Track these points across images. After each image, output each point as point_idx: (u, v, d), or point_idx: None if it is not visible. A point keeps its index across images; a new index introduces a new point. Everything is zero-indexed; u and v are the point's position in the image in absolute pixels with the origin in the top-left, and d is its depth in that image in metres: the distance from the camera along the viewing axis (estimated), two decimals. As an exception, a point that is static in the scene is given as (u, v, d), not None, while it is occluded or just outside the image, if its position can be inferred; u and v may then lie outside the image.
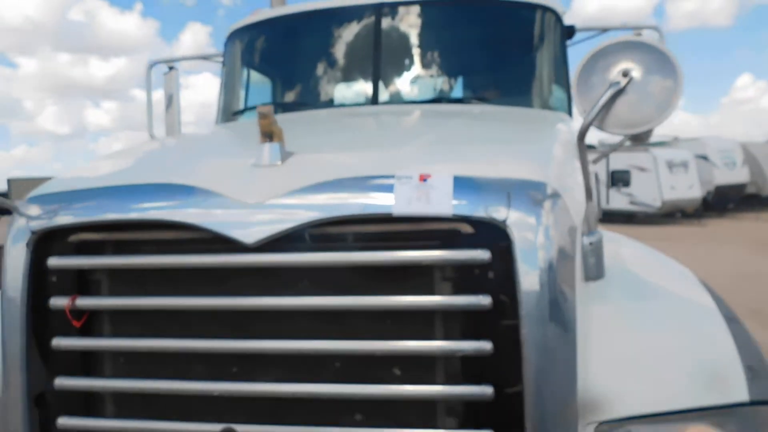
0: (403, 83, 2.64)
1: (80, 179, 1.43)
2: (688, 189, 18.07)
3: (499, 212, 1.13)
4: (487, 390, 1.14)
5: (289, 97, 2.92)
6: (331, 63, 2.71)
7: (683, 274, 1.63)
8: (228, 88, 3.02)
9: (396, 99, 2.59)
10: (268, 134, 1.26)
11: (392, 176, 1.17)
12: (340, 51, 2.68)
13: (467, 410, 1.19)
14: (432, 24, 2.67)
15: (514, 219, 1.13)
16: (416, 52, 2.63)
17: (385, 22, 2.59)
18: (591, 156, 1.71)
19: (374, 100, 2.53)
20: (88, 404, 1.33)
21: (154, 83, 3.19)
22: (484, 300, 1.15)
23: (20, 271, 1.29)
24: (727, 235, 14.54)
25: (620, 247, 1.57)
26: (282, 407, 1.23)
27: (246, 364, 1.24)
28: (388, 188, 1.16)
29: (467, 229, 1.17)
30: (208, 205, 1.20)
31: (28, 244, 1.29)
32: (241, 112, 2.90)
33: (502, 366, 1.15)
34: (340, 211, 1.16)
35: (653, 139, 23.77)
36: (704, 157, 19.44)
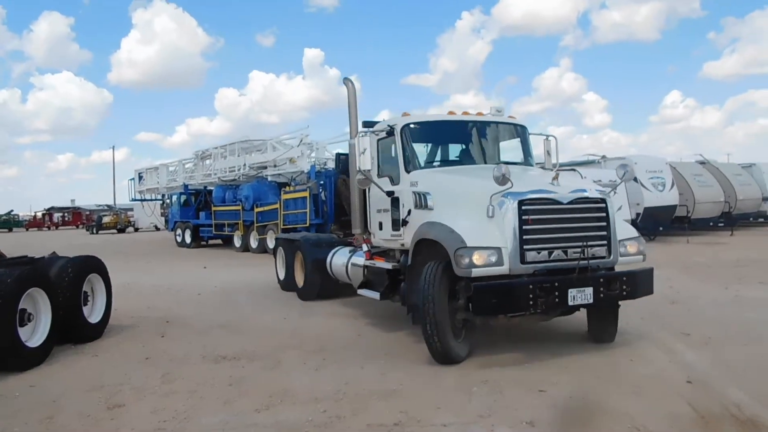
0: (488, 154, 8.02)
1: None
2: (617, 211, 19.72)
3: (603, 195, 6.37)
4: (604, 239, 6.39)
5: (444, 157, 8.27)
6: (469, 142, 8.16)
7: (629, 225, 7.51)
8: (411, 151, 7.64)
9: (487, 162, 7.74)
10: (555, 178, 6.24)
11: (581, 187, 6.44)
12: (462, 137, 8.18)
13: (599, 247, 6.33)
14: (494, 131, 8.25)
15: (604, 195, 6.38)
16: (491, 141, 8.22)
17: (477, 127, 8.10)
18: None
19: (483, 161, 7.84)
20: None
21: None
22: (603, 212, 6.31)
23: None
24: (657, 259, 16.08)
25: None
26: None
27: None
28: (580, 190, 6.34)
29: (600, 199, 6.33)
30: (553, 194, 6.11)
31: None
32: (424, 164, 7.76)
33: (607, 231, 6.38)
34: (576, 197, 6.21)
35: (581, 158, 25.84)
36: (633, 178, 21.29)
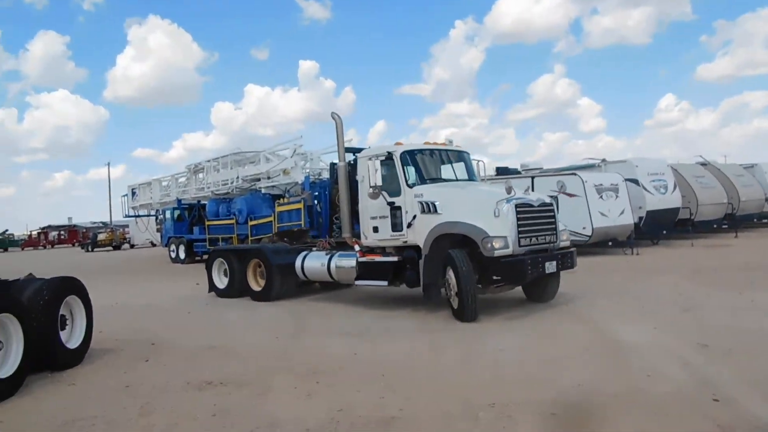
0: (456, 173, 10.98)
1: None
2: (620, 215, 19.26)
3: (551, 200, 9.97)
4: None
5: (427, 176, 10.46)
6: (438, 164, 10.88)
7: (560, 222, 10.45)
8: (407, 171, 10.13)
9: (456, 178, 10.86)
10: (527, 189, 10.02)
11: (540, 196, 9.79)
12: (438, 160, 10.90)
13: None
14: (455, 156, 11.19)
15: (551, 200, 10.05)
16: (455, 162, 11.09)
17: (446, 153, 11.07)
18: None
19: (456, 179, 10.83)
20: None
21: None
22: (552, 212, 9.72)
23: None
24: (664, 264, 15.64)
25: None
26: None
27: None
28: (541, 198, 9.76)
29: (550, 203, 9.82)
30: (530, 200, 9.42)
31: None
32: (415, 183, 10.07)
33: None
34: (541, 201, 9.59)
35: (581, 162, 25.38)
36: (635, 181, 20.84)
